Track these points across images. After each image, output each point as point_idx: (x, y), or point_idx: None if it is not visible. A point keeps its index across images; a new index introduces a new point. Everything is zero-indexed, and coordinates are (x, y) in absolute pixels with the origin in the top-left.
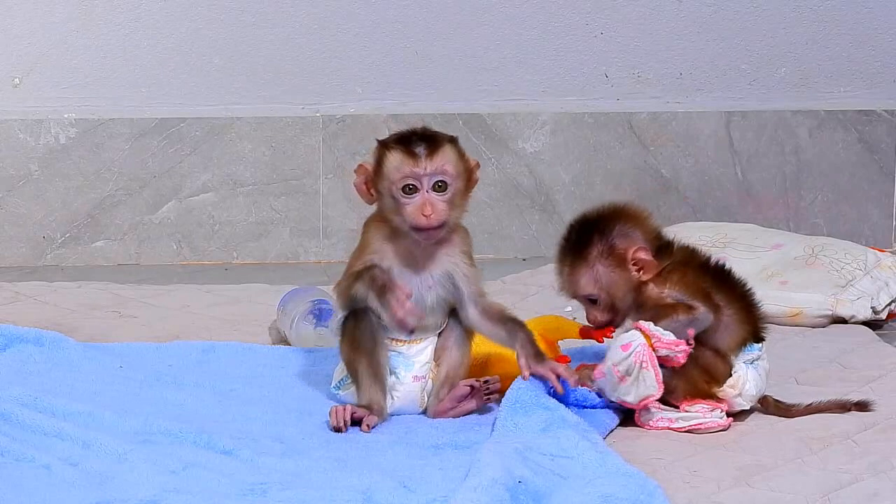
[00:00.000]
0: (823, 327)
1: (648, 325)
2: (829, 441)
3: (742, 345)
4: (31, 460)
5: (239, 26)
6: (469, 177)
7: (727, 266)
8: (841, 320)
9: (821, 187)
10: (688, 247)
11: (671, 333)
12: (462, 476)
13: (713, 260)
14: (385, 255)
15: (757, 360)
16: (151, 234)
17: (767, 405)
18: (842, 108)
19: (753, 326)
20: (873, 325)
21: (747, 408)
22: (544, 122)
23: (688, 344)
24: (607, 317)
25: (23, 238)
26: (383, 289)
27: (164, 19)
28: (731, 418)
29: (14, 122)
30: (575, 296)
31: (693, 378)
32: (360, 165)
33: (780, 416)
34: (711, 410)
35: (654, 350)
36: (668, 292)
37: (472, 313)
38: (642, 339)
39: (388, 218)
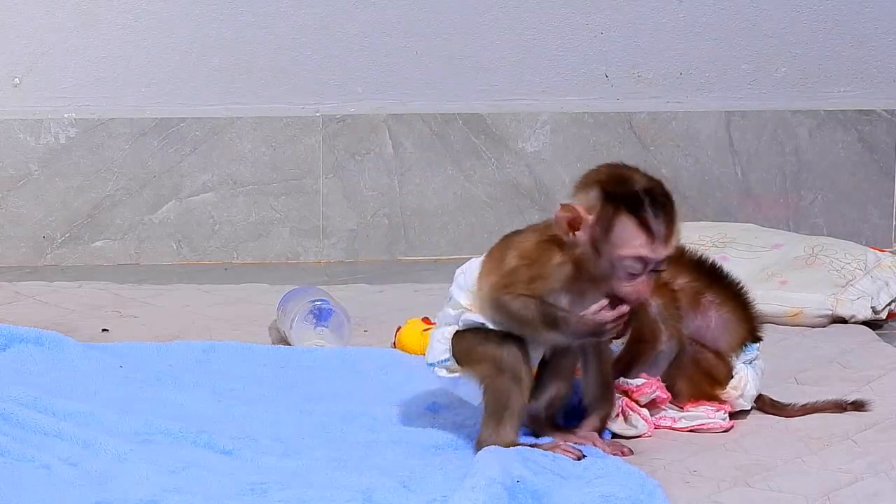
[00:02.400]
0: (823, 327)
1: (620, 381)
2: (829, 441)
3: (741, 345)
4: (31, 460)
5: (239, 26)
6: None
7: (720, 265)
8: (841, 320)
9: (821, 187)
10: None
11: (640, 378)
12: (462, 476)
13: (706, 258)
14: (559, 293)
15: (755, 359)
16: (151, 234)
17: (763, 404)
18: (842, 108)
19: (751, 325)
20: (873, 325)
21: (748, 408)
22: (544, 122)
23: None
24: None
25: (23, 238)
26: (555, 321)
27: (164, 19)
28: (733, 420)
29: (14, 122)
30: None
31: (696, 380)
32: (569, 206)
33: (776, 415)
34: (716, 411)
35: (635, 401)
36: (654, 303)
37: (593, 354)
38: (620, 395)
39: (583, 262)
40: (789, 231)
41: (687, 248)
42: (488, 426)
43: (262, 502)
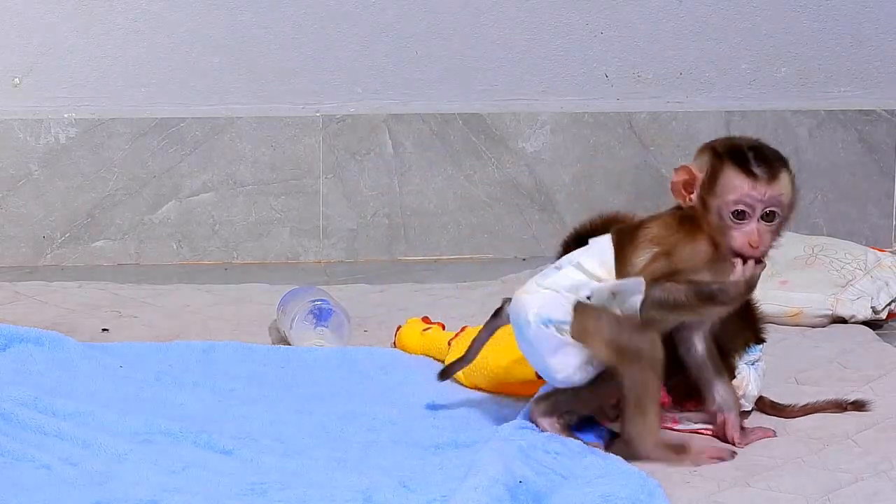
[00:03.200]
0: (823, 327)
1: None
2: (829, 441)
3: (745, 346)
4: (31, 460)
5: (239, 26)
6: (793, 207)
7: None
8: (841, 320)
9: (821, 187)
10: None
11: None
12: (463, 476)
13: None
14: (701, 273)
15: (758, 360)
16: (151, 234)
17: (763, 406)
18: (842, 108)
19: (755, 327)
20: (873, 325)
21: (748, 409)
22: (544, 122)
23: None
24: None
25: (23, 238)
26: (711, 294)
27: (163, 19)
28: None
29: (14, 122)
30: None
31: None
32: (684, 167)
33: (776, 416)
34: None
35: None
36: None
37: (702, 335)
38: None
39: (704, 228)
40: (789, 231)
41: None
42: (635, 421)
43: (262, 502)
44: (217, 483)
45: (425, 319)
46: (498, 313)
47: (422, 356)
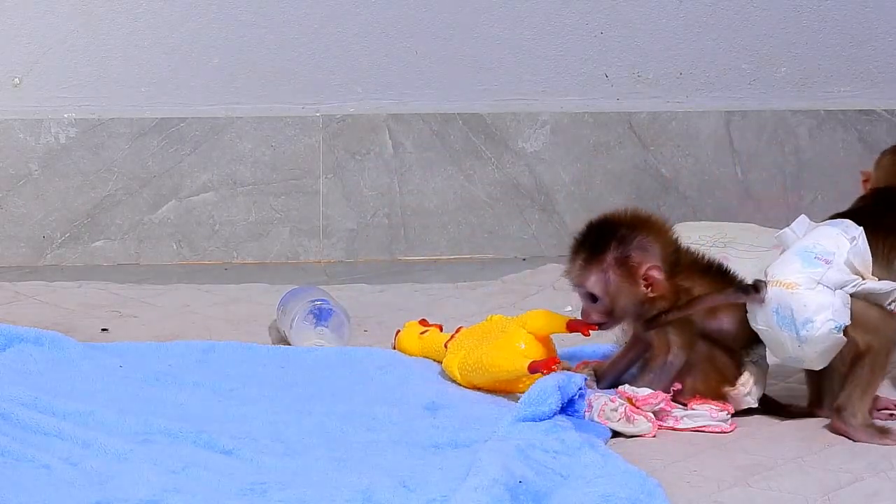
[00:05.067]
0: None
1: (625, 389)
2: (830, 441)
3: (751, 344)
4: (31, 460)
5: (239, 26)
6: None
7: (726, 267)
8: None
9: (821, 187)
10: (691, 251)
11: (647, 388)
12: (462, 475)
13: (713, 262)
14: None
15: (761, 359)
16: (151, 234)
17: (765, 404)
18: (842, 108)
19: None
20: None
21: (755, 405)
22: (544, 122)
23: (667, 391)
24: (602, 319)
25: (23, 238)
26: None
27: (164, 19)
28: (734, 422)
29: (14, 122)
30: (579, 287)
31: (706, 377)
32: None
33: (778, 414)
34: (720, 411)
35: (637, 408)
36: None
37: None
38: (623, 402)
39: None
40: None
41: (695, 253)
42: (855, 396)
43: (262, 502)
44: (217, 483)
45: (423, 322)
46: (748, 290)
47: (421, 358)
